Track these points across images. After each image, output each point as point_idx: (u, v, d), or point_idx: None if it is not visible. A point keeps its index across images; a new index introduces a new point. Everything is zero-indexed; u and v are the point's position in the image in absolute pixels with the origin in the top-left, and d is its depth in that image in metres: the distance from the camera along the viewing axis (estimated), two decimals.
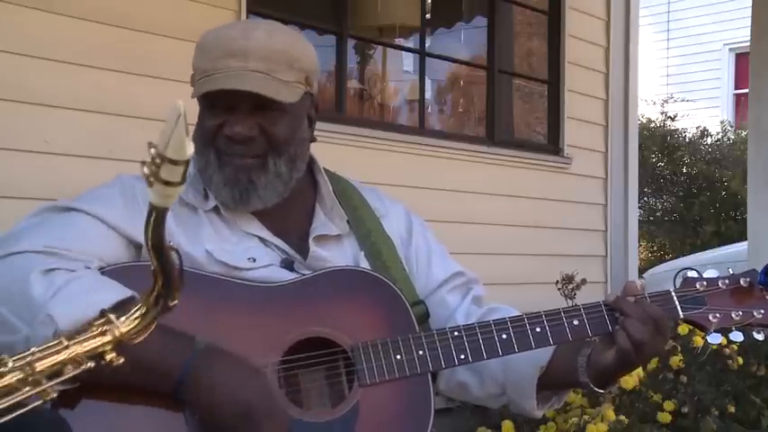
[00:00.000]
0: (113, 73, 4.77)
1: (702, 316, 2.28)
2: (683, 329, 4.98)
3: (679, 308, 2.28)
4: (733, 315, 2.28)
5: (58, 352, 1.39)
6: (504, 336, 2.23)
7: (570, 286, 5.64)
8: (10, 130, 4.33)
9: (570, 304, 5.42)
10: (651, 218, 16.05)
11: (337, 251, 2.36)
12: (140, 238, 2.15)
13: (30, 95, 4.49)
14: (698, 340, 5.08)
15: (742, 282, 2.32)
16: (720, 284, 2.32)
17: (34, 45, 4.51)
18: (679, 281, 2.37)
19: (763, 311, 2.29)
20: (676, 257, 13.08)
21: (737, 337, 2.30)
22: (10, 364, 1.37)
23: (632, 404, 4.93)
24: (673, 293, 2.30)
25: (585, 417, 4.62)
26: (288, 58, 2.23)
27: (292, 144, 2.28)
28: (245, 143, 2.23)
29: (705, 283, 2.32)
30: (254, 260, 2.25)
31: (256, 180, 2.25)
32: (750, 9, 7.36)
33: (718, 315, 2.28)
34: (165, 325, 2.01)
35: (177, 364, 1.99)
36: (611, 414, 4.59)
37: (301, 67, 2.26)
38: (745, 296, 2.31)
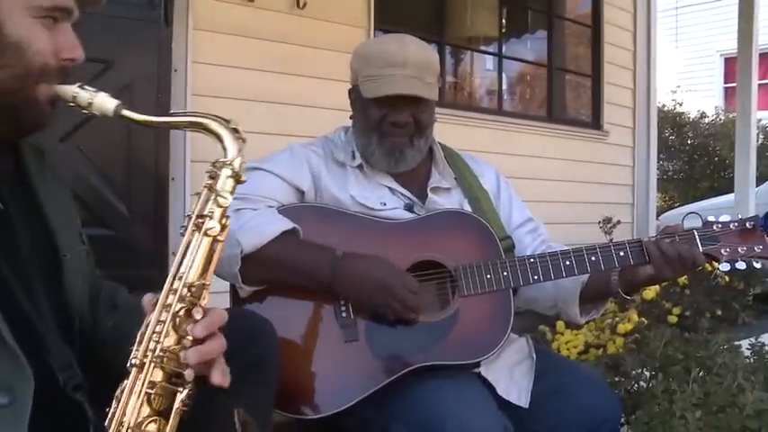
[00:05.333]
0: None
1: (716, 250, 2.18)
2: None
3: (699, 244, 2.17)
4: (739, 249, 2.18)
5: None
6: (568, 262, 2.17)
7: (609, 225, 5.60)
8: None
9: (608, 239, 5.41)
10: (665, 176, 15.73)
11: (447, 199, 2.34)
12: (303, 186, 2.22)
13: None
14: None
15: (747, 224, 2.21)
16: (731, 226, 2.21)
17: None
18: (687, 222, 2.27)
19: (761, 247, 2.19)
20: (682, 205, 12.85)
21: (741, 266, 2.20)
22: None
23: (650, 310, 4.86)
24: (695, 233, 2.19)
25: (617, 318, 4.56)
26: (429, 65, 2.24)
27: (429, 127, 2.29)
28: (403, 127, 2.23)
29: (720, 225, 2.22)
30: (385, 204, 2.25)
31: (407, 152, 2.26)
32: (737, 24, 7.14)
33: (728, 249, 2.18)
34: (312, 242, 2.09)
35: (326, 267, 2.05)
36: (635, 317, 4.52)
37: (436, 70, 2.26)
38: (749, 235, 2.20)
